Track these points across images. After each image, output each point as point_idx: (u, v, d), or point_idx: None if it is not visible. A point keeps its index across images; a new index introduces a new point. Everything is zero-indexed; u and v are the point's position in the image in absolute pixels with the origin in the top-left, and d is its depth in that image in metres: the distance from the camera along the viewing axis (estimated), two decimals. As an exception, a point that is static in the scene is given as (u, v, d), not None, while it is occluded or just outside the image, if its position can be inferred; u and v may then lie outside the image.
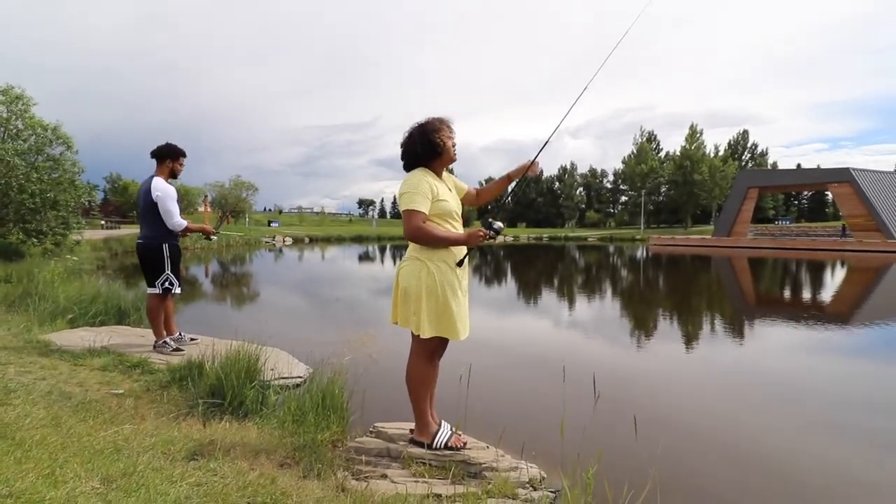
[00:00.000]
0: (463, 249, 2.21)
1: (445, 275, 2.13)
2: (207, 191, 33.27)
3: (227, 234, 22.95)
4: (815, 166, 38.36)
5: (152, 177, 3.77)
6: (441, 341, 2.21)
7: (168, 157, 3.80)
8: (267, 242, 29.81)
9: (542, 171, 2.47)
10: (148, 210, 3.72)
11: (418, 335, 2.16)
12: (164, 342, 3.84)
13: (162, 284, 3.80)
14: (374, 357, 4.10)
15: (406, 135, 2.21)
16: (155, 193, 3.67)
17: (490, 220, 2.13)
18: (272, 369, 3.23)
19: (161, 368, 3.35)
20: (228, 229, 31.69)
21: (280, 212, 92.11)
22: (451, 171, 2.47)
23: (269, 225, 57.02)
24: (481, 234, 2.08)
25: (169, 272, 3.82)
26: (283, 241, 31.63)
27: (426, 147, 2.16)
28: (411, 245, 2.22)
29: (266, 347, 3.23)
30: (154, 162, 3.81)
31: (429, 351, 2.22)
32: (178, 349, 3.82)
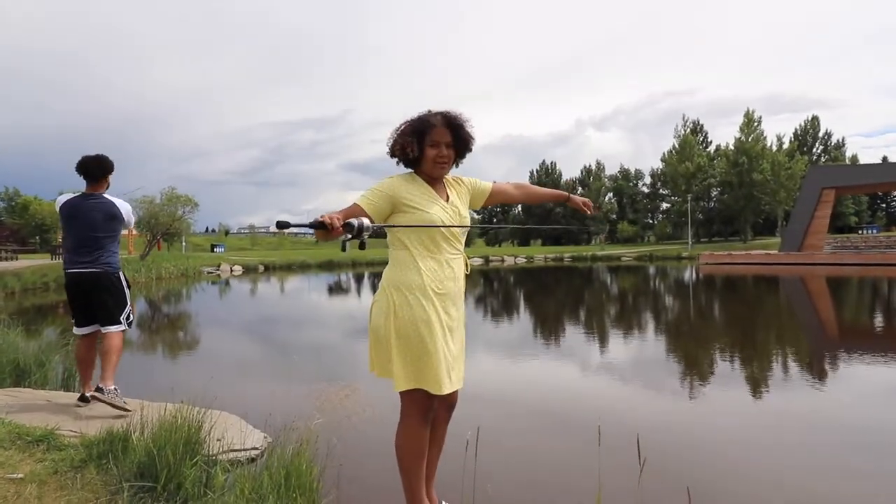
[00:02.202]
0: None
1: (418, 309, 2.14)
2: (132, 208, 33.36)
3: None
4: (905, 159, 39.06)
5: (101, 194, 4.13)
6: (432, 397, 2.20)
7: (107, 174, 4.17)
8: (210, 273, 29.75)
9: (597, 207, 2.82)
10: (109, 233, 4.09)
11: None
12: (116, 389, 3.94)
13: (128, 318, 4.15)
14: (352, 419, 4.06)
15: (393, 133, 2.30)
16: (127, 217, 4.17)
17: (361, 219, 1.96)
18: (219, 440, 3.19)
19: (73, 443, 3.29)
20: (160, 257, 31.65)
21: (227, 233, 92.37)
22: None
23: (212, 250, 57.19)
24: (333, 225, 1.89)
25: (130, 304, 4.18)
26: (231, 271, 31.59)
27: (401, 156, 2.25)
28: (385, 270, 2.27)
29: (211, 411, 3.19)
30: (83, 179, 4.12)
31: (417, 408, 2.21)
32: (127, 409, 3.91)
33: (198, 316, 13.15)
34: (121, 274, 4.19)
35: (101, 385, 3.93)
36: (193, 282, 24.59)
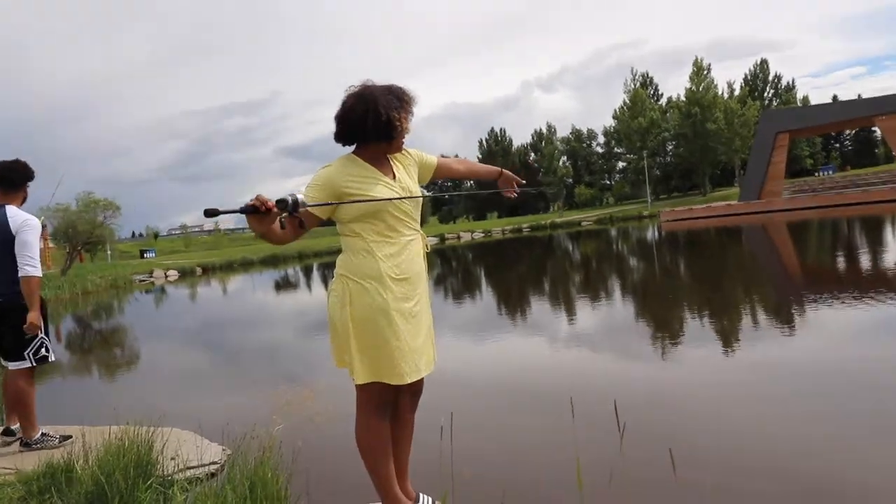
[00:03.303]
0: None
1: (376, 296, 2.13)
2: (45, 219, 31.85)
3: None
4: (856, 96, 40.93)
5: (2, 206, 3.70)
6: (391, 388, 2.22)
7: (27, 181, 3.85)
8: (142, 281, 28.87)
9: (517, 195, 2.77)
10: (5, 253, 3.66)
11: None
12: (44, 435, 3.78)
13: (34, 353, 3.72)
14: (315, 421, 4.06)
15: (353, 99, 2.16)
16: (24, 229, 3.65)
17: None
18: (174, 458, 3.15)
19: (9, 481, 3.19)
20: (84, 270, 30.46)
21: (156, 236, 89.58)
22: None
23: (142, 256, 55.41)
24: (265, 205, 1.86)
25: (44, 334, 3.79)
26: (166, 277, 30.75)
27: (378, 125, 2.13)
28: (338, 258, 2.25)
29: (161, 429, 3.15)
30: None
31: (374, 402, 2.23)
32: (66, 437, 3.77)
33: (134, 328, 12.79)
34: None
35: (24, 439, 3.75)
36: (125, 292, 23.82)
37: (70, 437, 3.90)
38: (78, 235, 30.59)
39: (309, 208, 2.03)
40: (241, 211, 1.84)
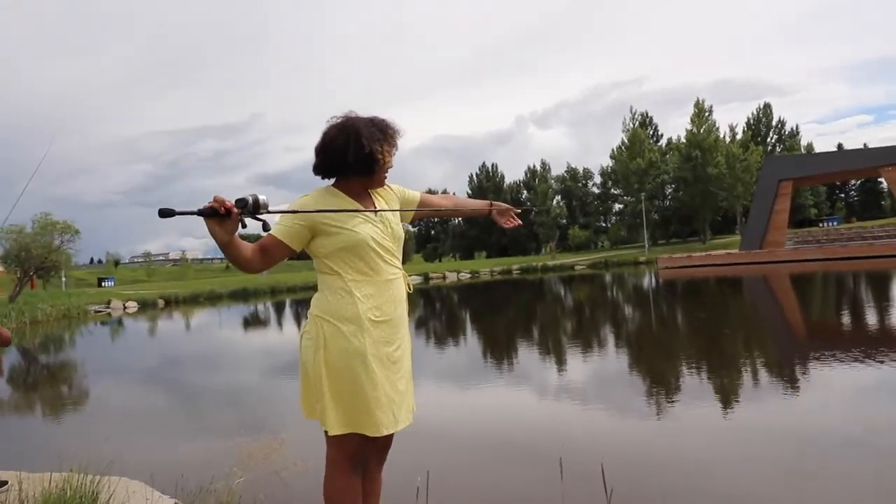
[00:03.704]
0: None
1: (353, 340, 2.11)
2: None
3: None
4: (861, 145, 42.00)
5: None
6: (363, 440, 2.18)
7: None
8: (98, 312, 28.45)
9: (526, 209, 2.70)
10: None
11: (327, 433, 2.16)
12: None
13: None
14: (281, 475, 3.97)
15: (334, 130, 2.17)
16: None
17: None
18: (120, 512, 3.06)
19: (-66, 532, 3.07)
20: (34, 297, 29.96)
21: (117, 263, 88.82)
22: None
23: (99, 285, 54.82)
24: (224, 206, 1.85)
25: None
26: (124, 308, 30.33)
27: (360, 158, 2.14)
28: (314, 297, 2.24)
29: (109, 478, 3.08)
30: None
31: (345, 455, 2.19)
32: (1, 483, 3.64)
33: (85, 365, 12.57)
34: None
35: None
36: (78, 324, 23.43)
37: (6, 482, 3.79)
38: (31, 260, 30.21)
39: (272, 232, 2.04)
40: (200, 213, 1.83)
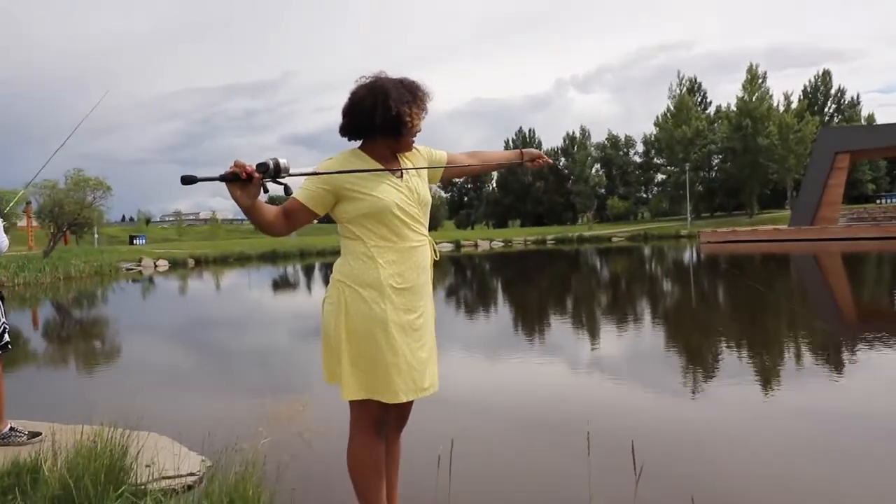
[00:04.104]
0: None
1: (374, 306, 2.13)
2: (31, 195, 32.36)
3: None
4: (926, 118, 40.20)
5: None
6: (382, 406, 2.22)
7: None
8: (129, 270, 29.16)
9: (555, 162, 2.70)
10: None
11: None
12: (12, 429, 3.81)
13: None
14: (305, 436, 4.05)
15: (362, 91, 2.16)
16: None
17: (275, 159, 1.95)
18: (149, 465, 3.16)
19: (-29, 478, 3.23)
20: (68, 253, 30.84)
21: (148, 221, 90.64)
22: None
23: (131, 243, 56.00)
24: (245, 171, 1.89)
25: (5, 319, 3.81)
26: (155, 267, 31.02)
27: (387, 120, 2.12)
28: (336, 262, 2.26)
29: (138, 433, 3.16)
30: None
31: (367, 421, 2.23)
32: (35, 434, 3.79)
33: (117, 321, 12.89)
34: None
35: None
36: (110, 280, 24.07)
37: (40, 434, 3.94)
38: (64, 216, 31.02)
39: (296, 195, 2.08)
40: (221, 178, 1.86)
